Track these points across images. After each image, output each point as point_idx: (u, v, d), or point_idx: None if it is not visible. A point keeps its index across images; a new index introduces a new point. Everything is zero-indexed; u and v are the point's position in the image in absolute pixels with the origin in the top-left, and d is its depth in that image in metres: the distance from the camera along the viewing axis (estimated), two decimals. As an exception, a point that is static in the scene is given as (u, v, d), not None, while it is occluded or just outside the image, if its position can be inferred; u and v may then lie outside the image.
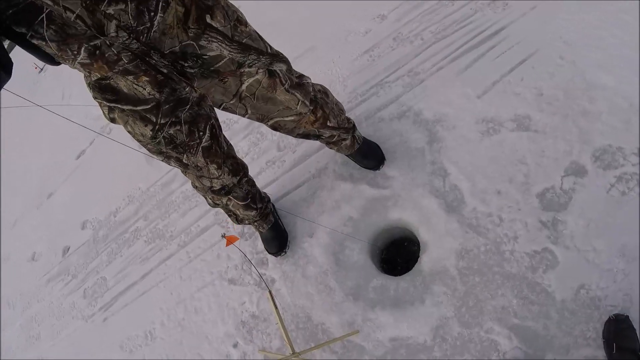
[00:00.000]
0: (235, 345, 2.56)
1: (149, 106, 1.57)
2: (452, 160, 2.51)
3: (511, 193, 2.32)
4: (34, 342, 3.49)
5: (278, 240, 2.63)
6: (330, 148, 2.56)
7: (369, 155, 2.63)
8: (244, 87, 1.77)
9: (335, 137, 2.38)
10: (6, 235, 4.67)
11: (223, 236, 2.04)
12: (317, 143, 2.76)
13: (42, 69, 7.04)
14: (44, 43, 1.24)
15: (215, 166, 1.99)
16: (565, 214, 2.20)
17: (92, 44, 1.28)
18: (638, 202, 2.12)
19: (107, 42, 1.30)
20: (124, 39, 1.30)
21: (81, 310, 3.34)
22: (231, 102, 1.82)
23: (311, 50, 3.50)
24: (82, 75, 1.51)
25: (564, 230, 2.16)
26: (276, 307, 2.20)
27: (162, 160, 1.87)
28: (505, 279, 2.15)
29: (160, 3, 1.32)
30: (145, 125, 1.63)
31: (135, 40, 1.33)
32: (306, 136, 2.28)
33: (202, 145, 1.85)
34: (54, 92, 5.93)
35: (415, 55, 3.02)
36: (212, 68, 1.60)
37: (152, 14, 1.32)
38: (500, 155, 2.42)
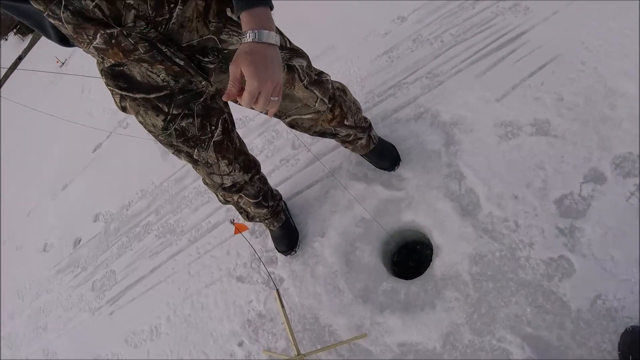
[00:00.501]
0: (240, 344, 2.53)
1: (162, 94, 1.55)
2: (469, 164, 2.46)
3: (528, 198, 2.26)
4: (41, 333, 3.50)
5: (288, 238, 2.60)
6: (346, 147, 2.52)
7: (384, 156, 2.59)
8: None
9: (352, 136, 2.34)
10: (20, 225, 4.70)
11: (232, 222, 2.01)
12: (332, 142, 2.73)
13: (63, 63, 7.12)
14: (60, 23, 1.24)
15: (226, 162, 1.96)
16: (583, 221, 2.14)
17: (108, 31, 1.27)
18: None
19: (124, 33, 1.28)
20: (142, 28, 1.28)
21: (89, 303, 3.34)
22: None
23: (331, 49, 3.48)
24: (95, 61, 1.50)
25: (581, 237, 2.11)
26: (283, 307, 2.16)
27: (173, 153, 1.85)
28: (520, 286, 2.10)
29: None
30: (157, 115, 1.61)
31: (153, 30, 1.32)
32: (322, 134, 2.24)
33: (213, 139, 1.82)
34: (75, 86, 5.99)
35: (435, 57, 2.99)
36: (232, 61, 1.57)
37: (172, 5, 1.30)
38: (518, 160, 2.37)
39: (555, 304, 2.02)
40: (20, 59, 11.31)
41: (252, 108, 1.24)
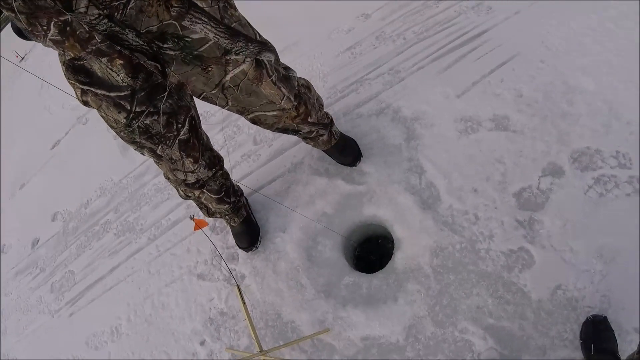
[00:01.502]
0: (202, 343, 2.49)
1: (123, 93, 1.50)
2: (429, 158, 2.48)
3: (488, 191, 2.30)
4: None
5: (249, 234, 2.57)
6: (307, 143, 2.51)
7: (346, 151, 2.59)
8: (228, 77, 1.68)
9: (314, 132, 2.33)
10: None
11: (191, 218, 1.98)
12: (293, 137, 2.72)
13: (22, 58, 6.96)
14: (13, 15, 1.19)
15: (191, 160, 1.93)
16: (542, 213, 2.18)
17: (61, 19, 1.22)
18: (616, 204, 2.12)
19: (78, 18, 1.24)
20: (93, 17, 1.24)
21: (48, 305, 3.25)
22: (212, 92, 1.74)
23: (295, 45, 3.48)
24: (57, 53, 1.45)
25: (541, 229, 2.15)
26: (244, 303, 2.14)
27: (135, 149, 1.81)
28: (480, 277, 2.12)
29: None
30: (119, 112, 1.56)
31: (106, 19, 1.27)
32: (284, 130, 2.22)
33: (179, 137, 1.79)
34: (34, 82, 5.85)
35: (397, 54, 3.02)
36: (195, 53, 1.52)
37: None
38: (477, 154, 2.41)
39: (516, 295, 2.05)
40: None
41: None
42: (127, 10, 1.28)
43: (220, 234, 2.77)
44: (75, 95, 1.57)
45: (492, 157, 2.38)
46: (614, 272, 1.98)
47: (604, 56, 2.51)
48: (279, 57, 1.90)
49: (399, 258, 2.29)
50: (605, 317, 1.87)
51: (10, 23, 1.34)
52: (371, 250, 2.62)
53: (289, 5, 3.76)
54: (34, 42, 1.35)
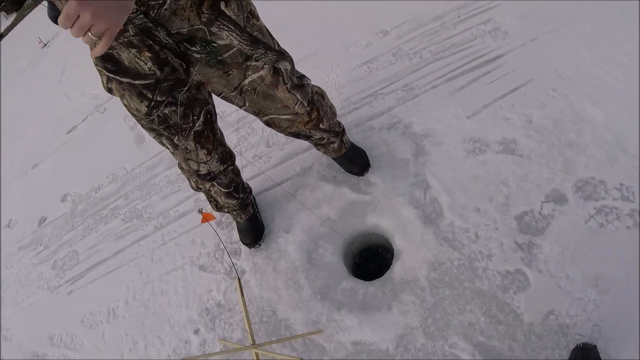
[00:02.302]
0: (196, 332, 2.54)
1: (147, 82, 1.58)
2: (435, 175, 2.53)
3: (490, 212, 2.33)
4: (-6, 307, 3.45)
5: (254, 232, 2.63)
6: (318, 149, 2.57)
7: (355, 161, 2.64)
8: (246, 81, 1.77)
9: (325, 139, 2.39)
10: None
11: (200, 211, 2.04)
12: (305, 143, 2.77)
13: (45, 44, 7.05)
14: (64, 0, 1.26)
15: (205, 151, 2.00)
16: (542, 238, 2.21)
17: None
18: (616, 235, 2.14)
19: None
20: (132, 11, 1.31)
21: (48, 281, 3.30)
22: (231, 93, 1.83)
23: (313, 55, 3.54)
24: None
25: (539, 254, 2.17)
26: (243, 295, 2.18)
27: (153, 137, 1.88)
28: (475, 295, 2.15)
29: None
30: (141, 102, 1.64)
31: (142, 15, 1.35)
32: (297, 135, 2.29)
33: (194, 129, 1.86)
34: (55, 68, 5.93)
35: (412, 71, 3.07)
36: (219, 57, 1.61)
37: None
38: (483, 175, 2.45)
39: (508, 316, 2.07)
40: (1, 37, 11.12)
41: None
42: (162, 10, 1.37)
43: (225, 229, 2.82)
44: (101, 82, 1.65)
45: (497, 179, 2.42)
46: (607, 303, 1.99)
47: (614, 88, 2.55)
48: (295, 66, 1.98)
49: (397, 268, 2.33)
50: (595, 346, 1.87)
51: (47, 10, 1.41)
52: (370, 259, 2.65)
53: (311, 18, 3.82)
54: (58, 29, 1.42)
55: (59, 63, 5.87)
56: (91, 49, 1.13)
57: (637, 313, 1.95)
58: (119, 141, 3.85)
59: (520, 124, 2.58)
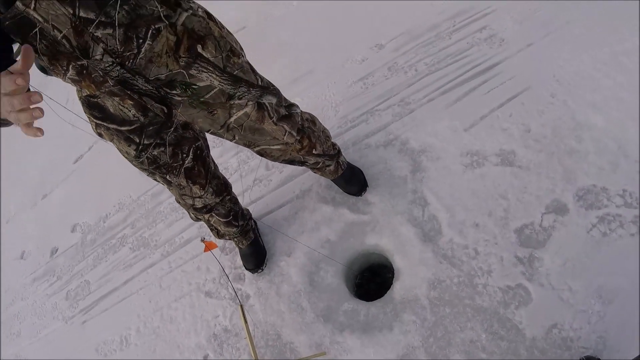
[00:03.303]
0: (205, 358, 2.57)
1: (133, 127, 1.62)
2: (433, 191, 2.52)
3: (489, 227, 2.32)
4: (14, 339, 3.50)
5: (256, 257, 2.65)
6: (315, 173, 2.58)
7: (352, 181, 2.65)
8: (232, 119, 1.78)
9: (320, 163, 2.40)
10: (-1, 232, 4.71)
11: (202, 240, 2.07)
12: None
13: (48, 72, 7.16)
14: (36, 55, 1.30)
15: (198, 186, 2.03)
16: (543, 251, 2.19)
17: (79, 63, 1.34)
18: (619, 244, 2.12)
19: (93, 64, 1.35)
20: (107, 64, 1.35)
21: (62, 312, 3.35)
22: (219, 130, 1.85)
23: (310, 73, 3.54)
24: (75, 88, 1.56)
25: (540, 267, 2.16)
26: (246, 322, 2.19)
27: (147, 176, 1.92)
28: (476, 312, 2.15)
29: (151, 31, 1.37)
30: (129, 145, 1.68)
31: (119, 67, 1.39)
32: (291, 162, 2.30)
33: (184, 166, 1.90)
34: (60, 95, 5.99)
35: (408, 85, 3.06)
36: (202, 99, 1.64)
37: (141, 41, 1.37)
38: (481, 189, 2.44)
39: (510, 331, 2.06)
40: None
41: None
42: (138, 60, 1.40)
43: (229, 254, 2.85)
44: (91, 127, 1.69)
45: (496, 192, 2.41)
46: (612, 314, 1.98)
47: (614, 92, 2.51)
48: (288, 87, 1.99)
49: (398, 288, 2.33)
50: (599, 359, 1.87)
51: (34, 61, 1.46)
52: (371, 279, 2.66)
53: (305, 34, 3.83)
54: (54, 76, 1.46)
55: (63, 91, 5.94)
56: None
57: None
58: (124, 169, 3.85)
59: (518, 134, 2.56)
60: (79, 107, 1.61)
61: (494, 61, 2.94)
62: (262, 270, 2.66)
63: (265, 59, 1.84)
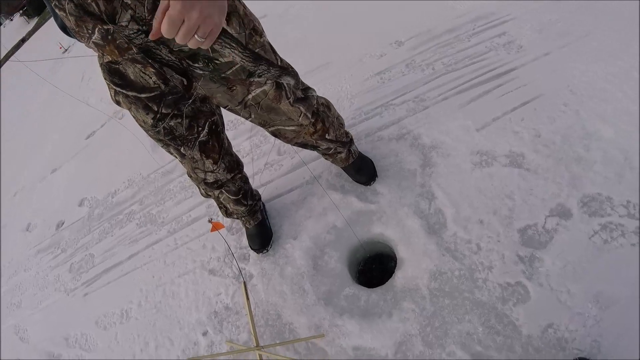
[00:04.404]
0: (204, 334, 2.60)
1: (152, 94, 1.64)
2: (441, 186, 2.56)
3: (493, 224, 2.35)
4: (14, 310, 3.54)
5: (262, 237, 2.69)
6: (326, 159, 2.61)
7: (362, 170, 2.69)
8: (250, 96, 1.82)
9: (332, 149, 2.44)
10: (5, 205, 4.75)
11: (210, 221, 2.11)
12: (315, 152, 2.82)
13: (66, 50, 7.20)
14: (64, 15, 1.33)
15: (211, 161, 2.07)
16: (544, 252, 2.22)
17: (105, 27, 1.36)
18: (620, 252, 2.14)
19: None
20: (132, 32, 1.38)
21: (64, 284, 3.39)
22: (236, 107, 1.89)
23: (326, 65, 3.59)
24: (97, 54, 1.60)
25: (540, 267, 2.18)
26: (248, 299, 2.24)
27: (162, 147, 1.95)
28: (475, 305, 2.17)
29: None
30: (147, 114, 1.71)
31: (143, 34, 1.42)
32: (304, 145, 2.33)
33: (199, 139, 1.93)
34: (75, 73, 6.06)
35: (424, 83, 3.10)
36: (222, 75, 1.68)
37: None
38: (488, 188, 2.47)
39: (507, 327, 2.08)
40: (23, 41, 11.33)
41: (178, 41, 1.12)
42: None
43: (235, 234, 2.89)
44: (109, 94, 1.72)
45: (503, 192, 2.43)
46: (608, 320, 1.99)
47: (625, 104, 2.54)
48: (309, 76, 2.02)
49: (399, 277, 2.36)
50: (593, 361, 1.90)
51: (55, 19, 1.49)
52: (374, 267, 2.69)
53: (327, 29, 3.88)
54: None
55: (79, 69, 5.99)
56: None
57: (637, 331, 1.94)
58: (136, 147, 3.93)
59: (528, 137, 2.59)
60: (93, 84, 1.65)
61: (510, 66, 2.99)
62: (267, 251, 2.70)
63: (283, 50, 1.87)
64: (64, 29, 1.47)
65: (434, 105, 2.95)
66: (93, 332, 2.98)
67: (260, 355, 2.17)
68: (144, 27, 1.39)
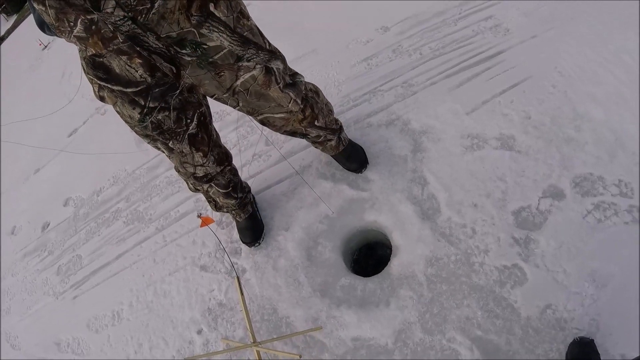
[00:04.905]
0: (199, 332, 2.56)
1: (139, 89, 1.59)
2: (433, 171, 2.54)
3: (487, 207, 2.34)
4: (4, 316, 3.46)
5: (253, 230, 2.65)
6: (316, 147, 2.58)
7: (353, 158, 2.66)
8: (238, 82, 1.77)
9: (322, 137, 2.40)
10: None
11: (199, 216, 2.06)
12: (304, 141, 2.78)
13: (45, 46, 7.09)
14: (43, 9, 1.27)
15: (200, 154, 2.02)
16: (539, 233, 2.22)
17: (88, 17, 1.31)
18: (614, 231, 2.15)
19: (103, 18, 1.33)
20: (118, 19, 1.33)
21: (53, 287, 3.32)
22: (224, 95, 1.83)
23: (313, 52, 3.55)
24: (78, 49, 1.54)
25: (536, 249, 2.18)
26: (242, 294, 2.20)
27: (148, 143, 1.90)
28: (472, 290, 2.16)
29: None
30: (134, 108, 1.66)
31: (130, 21, 1.36)
32: (293, 134, 2.30)
33: (188, 132, 1.88)
34: (55, 70, 5.96)
35: (412, 68, 3.08)
36: (210, 59, 1.62)
37: None
38: (480, 171, 2.46)
39: (505, 310, 2.09)
40: (2, 39, 11.14)
41: None
42: (150, 15, 1.38)
43: (225, 228, 2.84)
44: (92, 90, 1.67)
45: (495, 174, 2.42)
46: (605, 298, 2.00)
47: (616, 87, 2.54)
48: (295, 63, 1.98)
49: (395, 264, 2.34)
50: (593, 340, 1.88)
51: (33, 15, 1.44)
52: (369, 255, 2.67)
53: (312, 14, 3.84)
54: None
55: (59, 65, 5.89)
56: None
57: (634, 308, 1.95)
58: (120, 143, 3.87)
59: (518, 120, 2.58)
60: (74, 80, 1.59)
61: (497, 49, 2.97)
62: (259, 244, 2.66)
63: (270, 37, 1.84)
64: (42, 26, 1.42)
65: (423, 90, 2.92)
66: (85, 336, 2.92)
67: (257, 352, 2.13)
68: (129, 14, 1.34)
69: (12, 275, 3.68)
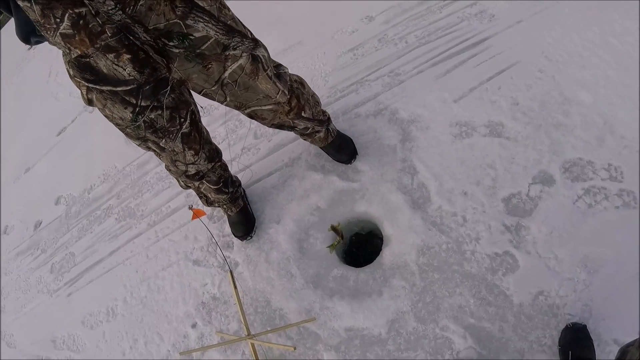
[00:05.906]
0: (193, 326, 2.57)
1: (129, 87, 1.57)
2: (422, 160, 2.54)
3: (477, 195, 2.35)
4: (-1, 315, 3.47)
5: (245, 224, 2.65)
6: (305, 139, 2.58)
7: (342, 149, 2.66)
8: (226, 74, 1.76)
9: (310, 129, 2.40)
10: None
11: (190, 208, 2.06)
12: (292, 134, 2.78)
13: (31, 46, 7.02)
14: (28, 5, 1.25)
15: (192, 152, 2.01)
16: (530, 220, 2.23)
17: (77, 11, 1.28)
18: (604, 215, 2.16)
19: (92, 12, 1.31)
20: (110, 7, 1.31)
21: (47, 285, 3.32)
22: (212, 88, 1.81)
23: (299, 44, 3.53)
24: (62, 53, 1.51)
25: (527, 235, 2.20)
26: (236, 288, 2.20)
27: (138, 145, 1.88)
28: (464, 278, 2.18)
29: None
30: (125, 108, 1.63)
31: (120, 11, 1.34)
32: (281, 127, 2.28)
33: (182, 131, 1.87)
34: (42, 70, 5.91)
35: (398, 57, 3.06)
36: (197, 51, 1.61)
37: None
38: (470, 158, 2.46)
39: (498, 297, 2.10)
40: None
41: None
42: (138, 6, 1.36)
43: (217, 222, 2.84)
44: (80, 94, 1.64)
45: (484, 162, 2.43)
46: (597, 283, 2.02)
47: (603, 70, 2.54)
48: (276, 57, 1.99)
49: (387, 254, 2.35)
50: (585, 326, 1.91)
51: (15, 28, 1.42)
52: (361, 246, 2.67)
53: (295, 5, 3.81)
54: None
55: (45, 64, 5.84)
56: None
57: (627, 293, 1.97)
58: (109, 140, 3.83)
59: (506, 106, 2.58)
60: (61, 79, 1.57)
61: (483, 36, 2.96)
62: (251, 237, 2.66)
63: (254, 30, 1.83)
64: (24, 37, 1.40)
65: (410, 79, 2.91)
66: (80, 332, 2.92)
67: (252, 344, 2.14)
68: (118, 5, 1.32)
69: (6, 274, 3.67)
